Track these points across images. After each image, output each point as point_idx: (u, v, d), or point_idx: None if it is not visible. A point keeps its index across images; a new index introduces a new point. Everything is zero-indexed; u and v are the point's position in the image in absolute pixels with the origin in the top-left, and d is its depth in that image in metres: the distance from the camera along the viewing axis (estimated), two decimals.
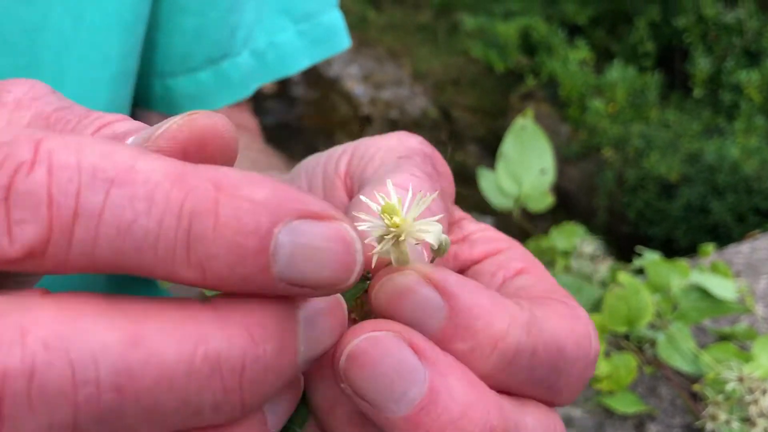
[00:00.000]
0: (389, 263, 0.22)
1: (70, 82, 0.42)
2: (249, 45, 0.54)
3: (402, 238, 0.21)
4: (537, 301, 0.25)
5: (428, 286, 0.22)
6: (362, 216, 0.22)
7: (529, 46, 3.43)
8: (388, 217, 0.21)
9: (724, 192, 2.60)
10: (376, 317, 0.23)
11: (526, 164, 0.72)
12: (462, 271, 0.30)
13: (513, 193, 0.72)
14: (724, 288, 0.73)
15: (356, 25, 3.95)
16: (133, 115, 0.56)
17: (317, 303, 0.20)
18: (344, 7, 0.62)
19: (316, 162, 0.30)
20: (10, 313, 0.16)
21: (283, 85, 3.62)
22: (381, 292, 0.22)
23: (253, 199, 0.17)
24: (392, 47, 3.97)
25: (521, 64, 3.42)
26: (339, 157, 0.29)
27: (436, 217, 0.22)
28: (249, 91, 0.55)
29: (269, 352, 0.18)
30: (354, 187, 0.28)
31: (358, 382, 0.21)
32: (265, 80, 0.55)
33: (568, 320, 0.24)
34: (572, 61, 3.21)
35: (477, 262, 0.30)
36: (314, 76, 3.77)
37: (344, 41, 0.58)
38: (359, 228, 0.20)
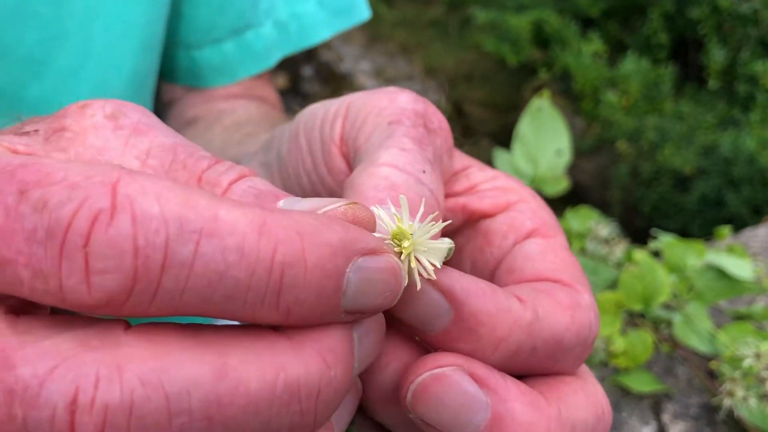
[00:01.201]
0: None
1: (96, 51, 0.43)
2: (271, 16, 0.54)
3: (409, 256, 0.22)
4: (541, 289, 0.26)
5: (435, 291, 0.23)
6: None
7: (541, 39, 3.41)
8: (397, 242, 0.22)
9: (739, 184, 2.58)
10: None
11: (542, 145, 0.72)
12: (471, 223, 0.30)
13: (529, 173, 0.73)
14: (740, 268, 0.73)
15: (368, 20, 3.95)
16: (158, 88, 0.57)
17: (366, 322, 0.21)
18: None
19: (312, 123, 0.30)
20: (103, 350, 0.17)
21: (295, 80, 3.63)
22: None
23: (330, 243, 0.19)
24: (404, 42, 3.97)
25: (534, 57, 3.41)
26: (333, 121, 0.29)
27: (443, 242, 0.23)
28: (271, 62, 0.55)
29: (339, 374, 0.19)
30: (349, 153, 0.29)
31: (425, 414, 0.23)
32: (287, 51, 0.56)
33: (570, 311, 0.25)
34: (585, 53, 3.19)
35: (487, 215, 0.30)
36: (326, 71, 3.78)
37: (364, 12, 0.58)
38: None
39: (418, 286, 0.22)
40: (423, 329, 0.23)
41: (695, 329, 0.71)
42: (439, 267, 0.22)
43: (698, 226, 2.55)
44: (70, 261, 0.16)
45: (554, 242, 0.29)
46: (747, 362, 0.60)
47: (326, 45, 3.84)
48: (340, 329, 0.20)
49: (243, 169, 0.22)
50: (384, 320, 0.22)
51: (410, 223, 0.22)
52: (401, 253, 0.22)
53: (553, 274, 0.27)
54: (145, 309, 0.17)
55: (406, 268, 0.22)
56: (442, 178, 0.27)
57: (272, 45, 0.55)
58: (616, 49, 3.35)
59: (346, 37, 3.91)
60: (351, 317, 0.20)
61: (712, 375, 0.69)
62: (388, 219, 0.22)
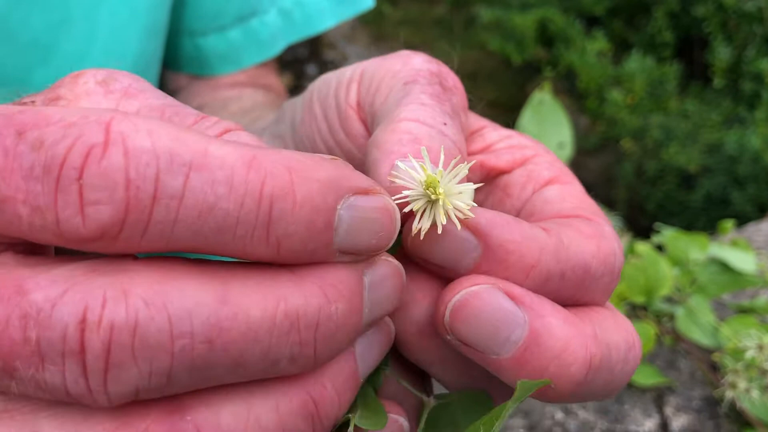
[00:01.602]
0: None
1: (102, 35, 0.43)
2: (276, 3, 0.55)
3: (444, 201, 0.22)
4: (564, 222, 0.26)
5: (463, 228, 0.23)
6: (401, 182, 0.23)
7: (546, 38, 3.41)
8: (432, 190, 0.22)
9: (744, 182, 2.57)
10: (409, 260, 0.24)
11: (544, 138, 0.72)
12: (489, 180, 0.30)
13: None
14: (743, 261, 0.73)
15: (372, 19, 3.95)
16: (163, 77, 0.58)
17: (381, 269, 0.22)
18: None
19: (327, 90, 0.31)
20: (111, 274, 0.17)
21: (300, 79, 3.64)
22: (417, 238, 0.23)
23: (320, 179, 0.19)
24: (408, 41, 3.97)
25: (538, 56, 3.41)
26: (348, 86, 0.30)
27: (469, 185, 0.23)
28: (276, 50, 0.56)
29: (340, 311, 0.20)
30: (366, 118, 0.29)
31: (464, 332, 0.23)
32: (291, 39, 0.57)
33: (595, 240, 0.25)
34: (590, 52, 3.19)
35: (505, 171, 0.30)
36: (330, 70, 3.78)
37: (367, 0, 0.58)
38: (405, 199, 0.22)
39: (458, 227, 0.22)
40: (454, 268, 0.23)
41: (698, 322, 0.70)
42: (469, 211, 0.23)
43: (703, 224, 2.54)
44: (65, 194, 0.17)
45: (572, 187, 0.29)
46: (749, 354, 0.60)
47: (330, 44, 3.84)
48: (345, 269, 0.21)
49: (229, 123, 0.23)
50: (402, 270, 0.23)
51: (437, 170, 0.22)
52: (437, 200, 0.22)
53: (573, 211, 0.27)
54: (137, 242, 0.17)
55: (442, 212, 0.22)
56: (463, 131, 0.28)
57: (277, 33, 0.55)
58: (621, 48, 3.34)
59: (350, 35, 3.92)
60: (347, 257, 0.21)
61: (715, 368, 0.69)
62: (415, 170, 0.23)
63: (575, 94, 3.17)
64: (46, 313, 0.17)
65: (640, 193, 2.79)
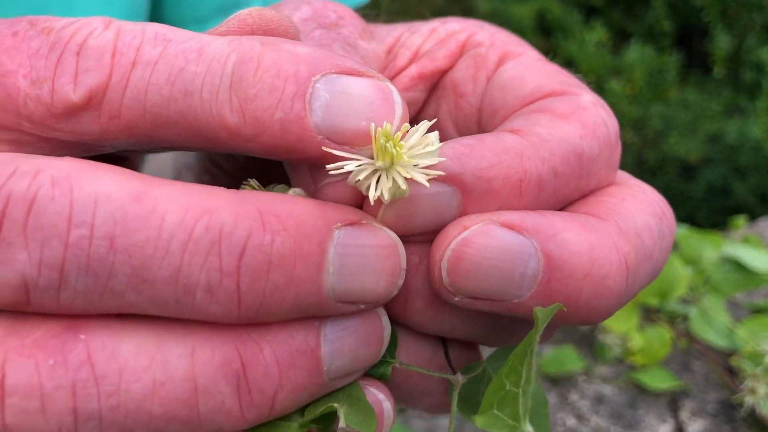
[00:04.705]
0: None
1: None
2: None
3: (395, 167, 0.19)
4: (534, 109, 0.23)
5: (435, 181, 0.20)
6: (340, 154, 0.19)
7: (544, 28, 3.38)
8: (381, 155, 0.19)
9: (746, 172, 2.55)
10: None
11: None
12: (435, 86, 0.27)
13: None
14: (757, 259, 0.71)
15: (368, 9, 3.92)
16: None
17: (360, 232, 0.19)
18: None
19: None
20: (34, 159, 0.17)
21: None
22: (388, 215, 0.20)
23: (295, 52, 0.19)
24: None
25: (537, 46, 3.38)
26: None
27: (429, 137, 0.19)
28: None
29: (277, 245, 0.17)
30: None
31: (470, 287, 0.20)
32: None
33: (575, 116, 0.22)
34: (589, 42, 3.16)
35: (447, 69, 0.27)
36: None
37: None
38: (348, 168, 0.19)
39: (426, 185, 0.19)
40: (441, 226, 0.20)
41: (712, 323, 0.69)
42: (435, 162, 0.19)
43: (705, 215, 2.53)
44: (64, 65, 0.19)
45: (525, 59, 0.26)
46: None
47: None
48: (312, 207, 0.18)
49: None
50: (398, 246, 0.20)
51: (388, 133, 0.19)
52: (389, 164, 0.19)
53: (540, 90, 0.24)
54: (117, 109, 0.19)
55: (401, 176, 0.19)
56: (369, 55, 0.25)
57: None
58: (620, 38, 3.31)
59: None
60: (327, 142, 0.18)
61: (731, 371, 0.67)
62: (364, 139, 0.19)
63: None
64: None
65: None
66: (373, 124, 0.19)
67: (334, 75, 0.18)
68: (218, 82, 0.18)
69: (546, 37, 3.39)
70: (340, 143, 0.18)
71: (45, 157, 0.18)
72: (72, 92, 0.18)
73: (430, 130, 0.19)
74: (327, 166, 0.19)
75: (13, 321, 0.17)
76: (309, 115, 0.18)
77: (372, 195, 0.19)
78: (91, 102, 0.19)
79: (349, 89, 0.18)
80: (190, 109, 0.18)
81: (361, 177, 0.19)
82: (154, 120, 0.19)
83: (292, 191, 0.21)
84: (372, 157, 0.19)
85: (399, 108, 0.19)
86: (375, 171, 0.19)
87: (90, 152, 0.20)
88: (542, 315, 0.18)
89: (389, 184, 0.19)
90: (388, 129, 0.18)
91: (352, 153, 0.19)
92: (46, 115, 0.19)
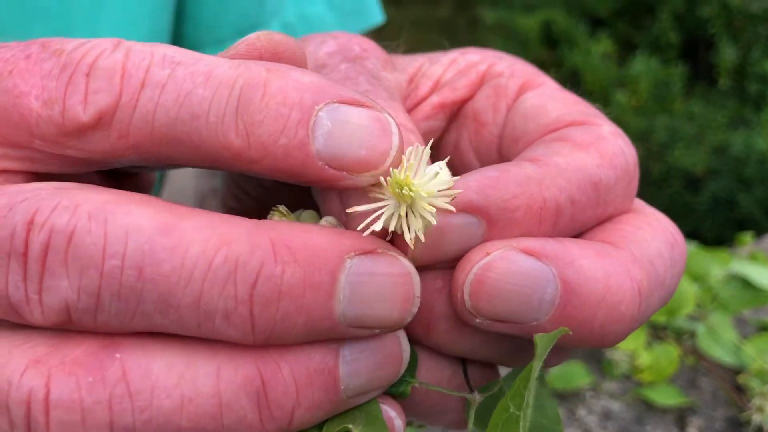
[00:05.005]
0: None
1: None
2: (278, 16, 0.53)
3: (417, 201, 0.20)
4: (554, 138, 0.24)
5: (462, 213, 0.21)
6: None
7: (550, 39, 3.39)
8: (400, 189, 0.19)
9: (751, 184, 2.55)
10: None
11: None
12: (456, 115, 0.28)
13: None
14: (765, 277, 0.71)
15: (388, 42, 3.94)
16: None
17: (375, 261, 0.20)
18: None
19: None
20: (73, 190, 0.19)
21: None
22: (417, 249, 0.21)
23: (300, 80, 0.19)
24: (411, 43, 3.96)
25: (542, 58, 3.39)
26: None
27: (440, 165, 0.20)
28: None
29: (287, 276, 0.18)
30: None
31: (491, 310, 0.21)
32: None
33: (593, 146, 0.23)
34: (594, 54, 3.17)
35: (467, 99, 0.28)
36: None
37: (377, 15, 0.56)
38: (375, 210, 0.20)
39: (453, 210, 0.20)
40: (465, 249, 0.21)
41: (719, 340, 0.69)
42: (451, 198, 0.20)
43: (710, 227, 2.53)
44: (74, 86, 0.19)
45: (545, 89, 0.27)
46: None
47: None
48: (319, 234, 0.19)
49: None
50: (413, 275, 0.20)
51: (404, 172, 0.19)
52: (411, 199, 0.19)
53: (561, 120, 0.25)
54: (126, 128, 0.19)
55: (427, 208, 0.19)
56: (391, 87, 0.26)
57: None
58: (626, 49, 3.32)
59: None
60: (331, 171, 0.19)
61: (738, 388, 0.67)
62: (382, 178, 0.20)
63: (580, 96, 3.15)
64: (2, 214, 0.18)
65: (645, 196, 2.77)
66: (382, 178, 0.20)
67: (337, 104, 0.19)
68: (225, 106, 0.19)
69: (551, 48, 3.41)
70: (340, 170, 0.19)
71: (83, 189, 0.19)
72: (82, 112, 0.19)
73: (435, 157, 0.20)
74: (349, 212, 0.20)
75: (55, 339, 0.19)
76: (312, 142, 0.19)
77: (410, 239, 0.19)
78: (101, 121, 0.19)
79: (349, 118, 0.19)
80: (196, 131, 0.19)
81: (392, 227, 0.20)
82: (161, 140, 0.19)
83: (324, 220, 0.22)
84: (386, 194, 0.20)
85: (395, 138, 0.20)
86: (395, 209, 0.20)
87: (100, 168, 0.21)
88: (541, 342, 0.19)
89: (419, 223, 0.19)
90: (397, 177, 0.19)
91: (372, 202, 0.20)
92: (57, 134, 0.19)
